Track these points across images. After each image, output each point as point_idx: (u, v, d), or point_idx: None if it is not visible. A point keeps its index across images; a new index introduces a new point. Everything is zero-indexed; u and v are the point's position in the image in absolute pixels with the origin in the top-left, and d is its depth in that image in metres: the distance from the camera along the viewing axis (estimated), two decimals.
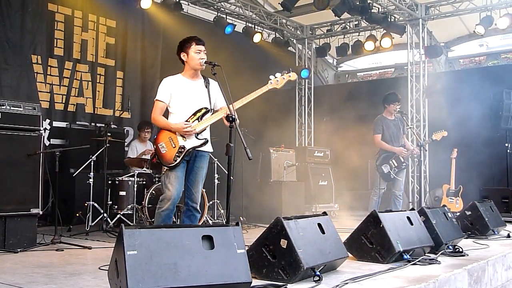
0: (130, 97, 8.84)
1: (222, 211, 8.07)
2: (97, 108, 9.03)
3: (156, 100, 4.66)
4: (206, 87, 4.71)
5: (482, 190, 9.01)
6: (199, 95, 4.67)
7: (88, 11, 8.95)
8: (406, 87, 10.64)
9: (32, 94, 7.94)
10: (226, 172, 4.23)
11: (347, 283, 3.58)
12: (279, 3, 9.80)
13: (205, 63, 4.59)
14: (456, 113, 9.82)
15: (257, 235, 3.83)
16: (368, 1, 9.57)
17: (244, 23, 10.99)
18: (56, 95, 8.43)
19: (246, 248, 3.31)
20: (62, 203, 7.24)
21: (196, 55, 4.62)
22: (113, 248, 3.01)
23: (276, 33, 11.99)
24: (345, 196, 10.90)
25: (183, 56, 4.67)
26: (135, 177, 7.17)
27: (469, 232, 6.17)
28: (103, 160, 6.92)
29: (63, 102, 8.54)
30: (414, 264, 4.33)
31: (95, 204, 7.06)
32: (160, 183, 6.90)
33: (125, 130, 9.31)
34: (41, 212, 5.48)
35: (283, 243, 3.58)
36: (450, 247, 4.99)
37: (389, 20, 10.21)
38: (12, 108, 5.37)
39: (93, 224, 6.95)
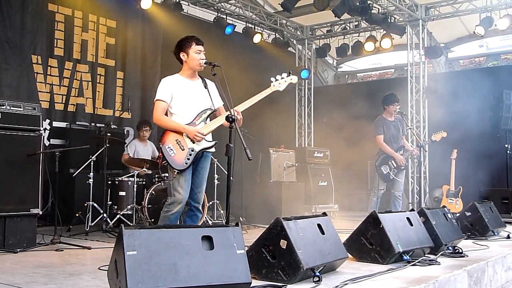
0: (130, 97, 8.86)
1: (221, 211, 8.08)
2: (97, 108, 9.03)
3: (158, 100, 4.55)
4: (205, 87, 4.70)
5: (482, 191, 9.01)
6: (200, 96, 4.66)
7: (88, 11, 8.95)
8: (406, 87, 10.65)
9: (32, 94, 7.94)
10: (226, 173, 4.23)
11: (346, 284, 3.58)
12: (279, 4, 9.80)
13: (205, 63, 4.57)
14: (456, 114, 9.82)
15: (257, 235, 3.84)
16: (368, 2, 9.58)
17: (244, 23, 10.99)
18: (56, 95, 8.43)
19: (246, 249, 3.31)
20: (62, 203, 7.23)
21: (197, 55, 4.60)
22: (112, 249, 3.01)
23: (276, 34, 12.00)
24: (344, 196, 10.91)
25: (183, 56, 4.62)
26: (135, 177, 7.16)
27: (469, 233, 6.17)
28: (103, 160, 6.92)
29: (63, 102, 8.54)
30: (413, 265, 4.32)
31: (95, 204, 7.06)
32: (159, 184, 6.94)
33: (125, 130, 9.31)
34: (40, 212, 5.48)
35: (283, 243, 3.58)
36: (450, 248, 4.99)
37: (389, 20, 10.21)
38: (12, 108, 5.36)
39: (92, 224, 6.94)
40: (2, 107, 5.30)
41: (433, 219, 5.11)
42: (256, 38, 10.97)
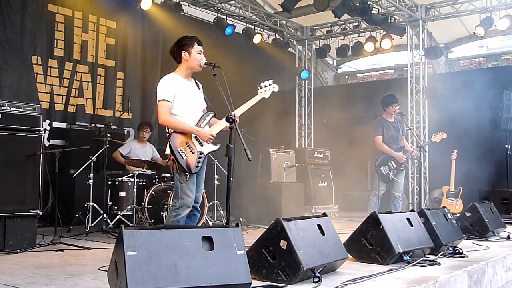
0: (130, 98, 8.85)
1: (222, 212, 8.07)
2: (97, 108, 9.03)
3: (163, 100, 4.41)
4: (198, 88, 4.70)
5: (482, 192, 9.01)
6: (198, 97, 4.65)
7: (88, 12, 8.95)
8: (406, 88, 10.65)
9: (32, 95, 7.93)
10: (226, 173, 4.23)
11: (346, 284, 3.58)
12: (279, 4, 9.80)
13: (205, 64, 4.55)
14: (456, 114, 9.82)
15: (257, 236, 3.84)
16: (368, 2, 9.58)
17: (244, 24, 10.99)
18: (56, 96, 8.42)
19: (246, 249, 3.31)
20: (62, 204, 7.23)
21: (198, 55, 4.56)
22: (112, 249, 3.01)
23: (276, 34, 12.01)
24: (344, 197, 10.91)
25: (184, 54, 4.54)
26: (135, 178, 7.16)
27: (469, 234, 6.17)
28: (103, 161, 6.92)
29: (63, 102, 8.54)
30: (414, 265, 4.33)
31: (95, 205, 7.06)
32: (159, 184, 6.94)
33: (126, 131, 9.30)
34: (40, 213, 5.48)
35: (283, 244, 3.58)
36: (450, 248, 4.99)
37: (389, 21, 10.22)
38: (12, 108, 5.36)
39: (93, 225, 6.94)
40: (2, 107, 5.29)
41: (433, 220, 5.11)
42: (256, 39, 10.97)
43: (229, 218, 4.29)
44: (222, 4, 10.34)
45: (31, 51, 8.07)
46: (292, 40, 12.53)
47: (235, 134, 4.18)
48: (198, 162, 4.44)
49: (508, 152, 9.29)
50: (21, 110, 5.44)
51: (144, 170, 7.51)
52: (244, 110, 4.64)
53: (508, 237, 6.28)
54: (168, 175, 6.97)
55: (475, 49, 13.82)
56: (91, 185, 7.04)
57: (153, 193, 6.84)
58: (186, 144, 4.42)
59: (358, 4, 9.46)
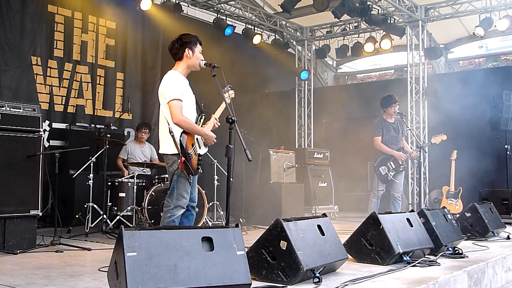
0: (130, 98, 8.85)
1: (221, 212, 8.08)
2: (97, 109, 9.03)
3: (175, 99, 4.28)
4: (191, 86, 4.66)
5: (481, 192, 9.00)
6: (193, 97, 4.61)
7: (88, 13, 8.95)
8: (405, 88, 10.65)
9: (31, 96, 7.93)
10: (226, 174, 4.23)
11: (346, 285, 3.59)
12: (278, 5, 9.81)
13: (204, 64, 4.53)
14: (456, 115, 9.83)
15: (257, 236, 3.84)
16: (368, 3, 9.58)
17: (244, 24, 10.99)
18: (56, 97, 8.42)
19: (246, 250, 3.31)
20: (62, 205, 7.24)
21: (200, 55, 4.55)
22: (112, 250, 3.01)
23: (276, 35, 12.01)
24: (344, 197, 10.92)
25: (188, 52, 4.47)
26: (135, 178, 7.16)
27: (469, 234, 6.17)
28: (102, 161, 6.92)
29: (63, 103, 8.54)
30: (413, 266, 4.33)
31: (95, 206, 7.06)
32: (159, 185, 6.94)
33: (126, 131, 9.30)
34: (40, 214, 5.48)
35: (283, 244, 3.59)
36: (450, 248, 4.99)
37: (389, 21, 10.22)
38: (12, 109, 5.36)
39: (92, 225, 6.94)
40: (2, 108, 5.29)
41: (433, 220, 5.11)
42: (256, 39, 10.97)
43: (229, 219, 4.29)
44: (222, 5, 10.34)
45: (31, 51, 8.07)
46: (291, 41, 12.53)
47: (235, 134, 4.17)
48: (199, 164, 4.44)
49: (507, 152, 9.29)
50: (21, 110, 5.44)
51: (144, 170, 7.51)
52: (219, 115, 4.65)
53: (508, 238, 6.28)
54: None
55: (475, 49, 13.83)
56: (91, 186, 7.04)
57: (153, 193, 6.84)
58: (192, 146, 4.40)
59: (357, 5, 9.46)
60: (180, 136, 4.31)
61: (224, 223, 6.84)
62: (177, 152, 4.33)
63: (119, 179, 7.27)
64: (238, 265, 3.13)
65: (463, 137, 9.29)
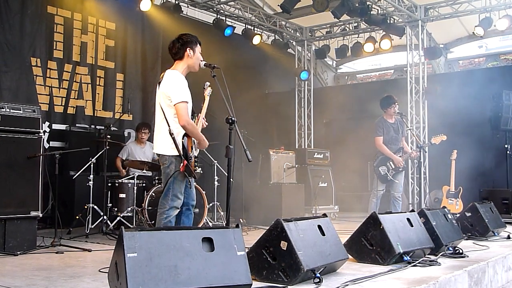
0: (130, 99, 8.84)
1: (222, 213, 8.07)
2: (96, 110, 9.02)
3: (183, 102, 4.25)
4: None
5: (482, 192, 9.01)
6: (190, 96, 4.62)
7: (88, 14, 8.94)
8: (405, 88, 10.65)
9: (31, 97, 7.93)
10: (226, 174, 4.23)
11: (347, 285, 3.58)
12: (278, 5, 9.81)
13: (204, 65, 4.53)
14: (456, 115, 9.83)
15: (257, 237, 3.84)
16: (367, 3, 9.58)
17: (244, 25, 10.99)
18: (56, 98, 8.42)
19: (246, 250, 3.31)
20: (62, 206, 7.24)
21: (200, 55, 4.54)
22: (113, 251, 3.01)
23: (276, 35, 12.01)
24: (345, 197, 10.91)
25: (189, 51, 4.45)
26: (135, 179, 7.16)
27: (469, 234, 6.17)
28: (103, 162, 6.92)
29: (63, 104, 8.53)
30: (414, 265, 4.33)
31: (95, 207, 7.05)
32: (159, 186, 6.94)
33: (127, 132, 9.30)
34: (41, 215, 5.47)
35: (283, 245, 3.58)
36: (450, 248, 4.99)
37: (388, 21, 10.22)
38: (11, 110, 5.36)
39: (93, 226, 6.93)
40: (2, 109, 5.29)
41: (433, 220, 5.11)
42: (256, 40, 10.97)
43: (229, 219, 4.29)
44: (222, 5, 10.34)
45: (30, 53, 8.06)
46: (291, 41, 12.53)
47: (235, 135, 4.17)
48: (196, 166, 4.45)
49: (508, 152, 9.29)
50: (21, 112, 5.43)
51: (144, 171, 7.51)
52: (204, 114, 4.63)
53: (508, 237, 6.28)
54: None
55: (475, 49, 13.83)
56: (91, 187, 7.03)
57: (153, 194, 6.83)
58: (191, 149, 4.40)
59: (357, 5, 9.46)
60: (183, 139, 4.29)
61: (224, 223, 6.84)
62: (176, 154, 4.31)
63: (119, 180, 7.27)
64: (239, 265, 3.13)
65: (463, 136, 9.28)
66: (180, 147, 4.28)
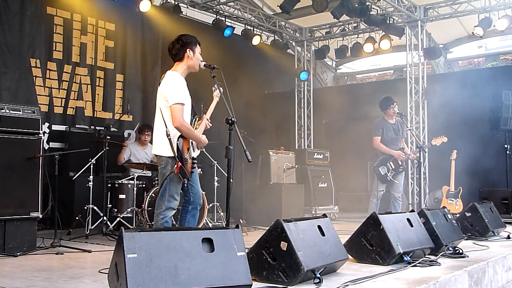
0: (130, 100, 8.83)
1: (222, 213, 8.07)
2: (96, 111, 9.02)
3: (178, 103, 4.27)
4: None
5: (481, 192, 9.00)
6: (189, 98, 4.58)
7: (87, 15, 8.94)
8: (405, 89, 10.65)
9: (31, 98, 7.93)
10: (226, 175, 4.23)
11: (347, 285, 3.58)
12: (278, 6, 9.81)
13: (204, 65, 4.53)
14: (455, 115, 9.83)
15: (257, 237, 3.84)
16: (367, 3, 9.58)
17: (243, 25, 11.00)
18: (55, 99, 8.42)
19: (246, 251, 3.30)
20: (62, 207, 7.23)
21: (200, 56, 4.55)
22: (113, 251, 3.01)
23: (275, 36, 12.01)
24: (345, 198, 10.91)
25: (189, 52, 4.45)
26: (135, 180, 7.16)
27: (469, 234, 6.17)
28: (102, 163, 6.91)
29: (62, 105, 8.53)
30: (414, 265, 4.32)
31: (95, 207, 7.05)
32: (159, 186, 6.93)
33: (126, 133, 9.30)
34: (40, 216, 5.47)
35: (283, 245, 3.58)
36: (450, 248, 4.99)
37: (388, 22, 10.22)
38: (11, 111, 5.36)
39: (92, 227, 6.93)
40: (1, 110, 5.29)
41: (433, 220, 5.11)
42: (255, 40, 10.97)
43: (229, 220, 4.29)
44: (221, 6, 10.34)
45: (30, 54, 8.06)
46: (291, 41, 12.53)
47: (234, 135, 4.17)
48: (193, 168, 4.46)
49: (507, 152, 9.29)
50: (20, 113, 5.43)
51: (144, 172, 7.51)
52: (210, 115, 4.67)
53: (508, 237, 6.28)
54: None
55: (474, 49, 13.83)
56: (91, 188, 7.03)
57: (153, 195, 6.83)
58: (188, 150, 4.41)
59: (357, 5, 9.46)
60: (177, 140, 4.30)
61: (224, 224, 6.84)
62: (172, 155, 4.31)
63: (119, 181, 7.26)
64: (239, 266, 3.12)
65: (462, 137, 9.28)
66: (175, 149, 4.28)
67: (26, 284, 3.76)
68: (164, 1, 9.57)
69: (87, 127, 8.75)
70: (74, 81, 8.71)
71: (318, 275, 3.59)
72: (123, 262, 2.72)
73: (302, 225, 3.84)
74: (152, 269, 2.79)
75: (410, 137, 9.67)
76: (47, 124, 8.22)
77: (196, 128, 4.59)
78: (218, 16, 10.37)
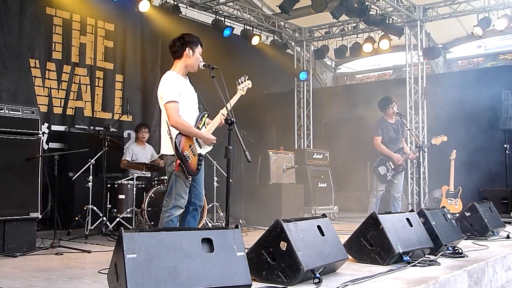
0: (129, 100, 8.83)
1: (221, 214, 8.07)
2: (96, 111, 9.02)
3: (172, 102, 4.30)
4: (192, 85, 4.65)
5: (481, 191, 9.00)
6: (194, 96, 4.61)
7: (86, 15, 8.94)
8: (404, 89, 10.66)
9: (30, 98, 7.93)
10: (225, 175, 4.23)
11: (347, 285, 3.58)
12: (277, 6, 9.81)
13: (203, 66, 4.54)
14: (455, 114, 9.83)
15: (257, 237, 3.83)
16: (366, 3, 9.58)
17: (243, 25, 11.00)
18: (55, 99, 8.42)
19: (246, 251, 3.30)
20: (61, 207, 7.23)
21: (199, 56, 4.56)
22: (112, 252, 3.00)
23: (275, 36, 12.01)
24: (344, 198, 10.91)
25: (188, 51, 4.47)
26: (134, 180, 7.16)
27: (469, 233, 6.17)
28: (102, 163, 6.91)
29: (62, 106, 8.53)
30: (413, 265, 4.32)
31: (94, 208, 7.05)
32: (158, 186, 6.93)
33: (126, 133, 9.30)
34: (40, 216, 5.47)
35: (283, 245, 3.58)
36: (450, 248, 4.98)
37: (387, 22, 10.22)
38: (10, 112, 5.36)
39: (92, 227, 6.93)
40: (1, 111, 5.29)
41: (433, 220, 5.11)
42: (255, 40, 10.98)
43: (229, 220, 4.29)
44: (220, 6, 10.35)
45: (29, 54, 8.06)
46: (290, 42, 12.53)
47: (234, 136, 4.17)
48: (199, 165, 4.45)
49: (507, 151, 9.29)
50: (20, 113, 5.43)
51: (144, 172, 7.51)
52: (228, 109, 4.63)
53: (508, 237, 6.28)
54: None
55: (473, 49, 13.84)
56: (90, 188, 7.04)
57: (153, 195, 6.83)
58: (190, 147, 4.40)
59: (356, 5, 9.46)
60: (176, 138, 4.31)
61: (224, 224, 6.84)
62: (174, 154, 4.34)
63: (119, 181, 7.26)
64: (238, 266, 3.12)
65: (462, 136, 9.28)
66: (173, 147, 4.31)
67: (26, 284, 3.76)
68: (163, 1, 9.57)
69: (87, 127, 8.75)
70: (73, 81, 8.71)
71: (318, 275, 3.59)
72: (123, 263, 2.72)
73: (302, 225, 3.84)
74: (152, 269, 2.79)
75: (410, 137, 9.67)
76: (46, 125, 8.22)
77: (205, 125, 4.59)
78: (217, 16, 10.37)
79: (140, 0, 9.01)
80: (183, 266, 2.90)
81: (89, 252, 5.40)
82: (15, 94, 7.77)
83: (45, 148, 7.98)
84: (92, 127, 8.78)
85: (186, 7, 10.13)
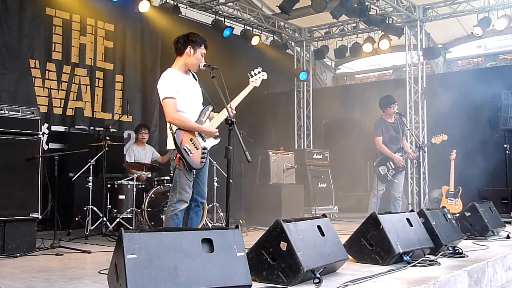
0: (129, 100, 8.83)
1: (221, 214, 8.07)
2: (95, 112, 9.02)
3: (168, 98, 4.38)
4: (196, 80, 4.69)
5: (481, 191, 9.00)
6: (197, 91, 4.66)
7: (86, 15, 8.94)
8: (404, 89, 10.66)
9: (30, 99, 7.92)
10: (226, 175, 4.23)
11: (347, 285, 3.58)
12: (277, 6, 9.81)
13: (203, 66, 4.56)
14: (455, 114, 9.83)
15: (257, 237, 3.83)
16: (366, 3, 9.58)
17: (242, 26, 11.00)
18: (55, 99, 8.42)
19: (246, 251, 3.30)
20: (61, 207, 7.23)
21: (201, 57, 4.60)
22: (112, 252, 3.00)
23: (275, 36, 12.01)
24: (344, 198, 10.91)
25: (189, 49, 4.54)
26: (134, 180, 7.16)
27: (469, 233, 6.17)
28: (102, 164, 6.91)
29: (62, 106, 8.53)
30: (414, 265, 4.32)
31: (94, 208, 7.05)
32: (158, 187, 6.93)
33: (126, 133, 9.30)
34: (40, 217, 5.47)
35: (283, 245, 3.58)
36: (450, 248, 4.98)
37: (387, 22, 10.22)
38: (10, 112, 5.36)
39: (92, 228, 6.93)
40: (1, 111, 5.29)
41: (433, 220, 5.11)
42: (254, 41, 10.97)
43: (229, 220, 4.29)
44: (220, 6, 10.35)
45: (29, 54, 8.06)
46: (290, 42, 12.53)
47: (234, 136, 4.17)
48: (203, 158, 4.49)
49: (507, 151, 9.29)
50: (20, 114, 5.43)
51: (143, 173, 7.51)
52: (239, 101, 4.66)
53: (508, 237, 6.27)
54: (168, 177, 6.96)
55: (473, 49, 13.85)
56: (90, 188, 7.04)
57: (153, 195, 6.83)
58: (191, 141, 4.44)
59: (356, 5, 9.46)
60: (174, 133, 4.38)
61: (224, 224, 6.84)
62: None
63: (119, 182, 7.26)
64: (239, 266, 3.12)
65: (462, 136, 9.28)
66: (173, 142, 4.37)
67: (26, 285, 3.76)
68: (163, 2, 9.57)
69: (87, 127, 8.75)
70: (73, 81, 8.71)
71: (318, 275, 3.59)
72: (123, 263, 2.72)
73: (302, 225, 3.84)
74: (152, 269, 2.79)
75: (410, 137, 9.67)
76: (46, 125, 8.22)
77: (210, 119, 4.62)
78: (217, 17, 10.37)
79: (140, 1, 9.00)
80: (183, 267, 2.90)
81: (89, 252, 5.40)
82: (15, 94, 7.77)
83: (45, 149, 7.98)
84: (92, 128, 8.77)
85: (186, 8, 10.14)
